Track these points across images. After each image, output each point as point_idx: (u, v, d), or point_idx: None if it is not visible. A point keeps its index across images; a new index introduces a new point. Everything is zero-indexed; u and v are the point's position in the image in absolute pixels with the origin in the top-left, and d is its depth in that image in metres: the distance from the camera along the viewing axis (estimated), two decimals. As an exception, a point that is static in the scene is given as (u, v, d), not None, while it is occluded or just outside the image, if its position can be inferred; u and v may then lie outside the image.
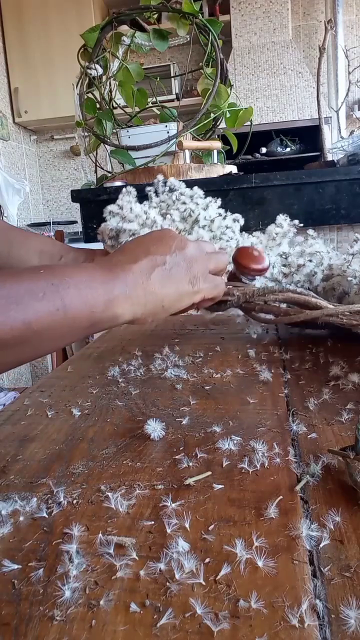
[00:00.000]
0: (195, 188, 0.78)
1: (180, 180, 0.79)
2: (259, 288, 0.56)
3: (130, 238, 0.69)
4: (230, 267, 0.62)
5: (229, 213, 0.78)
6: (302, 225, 0.79)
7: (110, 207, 0.73)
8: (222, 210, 0.77)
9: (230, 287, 0.57)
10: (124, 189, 0.75)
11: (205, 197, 0.78)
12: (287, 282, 0.74)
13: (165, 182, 0.79)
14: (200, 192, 0.77)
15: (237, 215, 0.78)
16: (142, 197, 0.76)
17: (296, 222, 0.79)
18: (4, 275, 0.36)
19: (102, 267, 0.43)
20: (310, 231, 0.80)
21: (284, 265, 0.75)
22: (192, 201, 0.76)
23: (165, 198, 0.77)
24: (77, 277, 0.39)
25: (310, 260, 0.73)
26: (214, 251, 0.53)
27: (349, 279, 0.68)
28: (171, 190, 0.78)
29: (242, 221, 0.77)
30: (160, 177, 0.80)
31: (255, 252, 0.59)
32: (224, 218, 0.76)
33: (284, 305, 0.60)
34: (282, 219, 0.79)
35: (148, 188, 0.78)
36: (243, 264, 0.59)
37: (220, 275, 0.53)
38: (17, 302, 0.34)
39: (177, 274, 0.46)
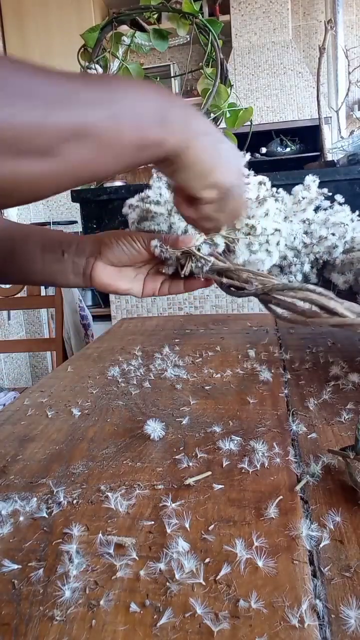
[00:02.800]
0: None
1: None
2: (277, 283, 0.54)
3: (155, 225, 0.67)
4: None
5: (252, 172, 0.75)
6: (330, 194, 0.76)
7: (130, 201, 0.72)
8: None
9: (250, 274, 0.56)
10: (155, 175, 0.74)
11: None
12: (306, 252, 0.72)
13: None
14: None
15: (263, 178, 0.74)
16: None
17: (325, 190, 0.76)
18: (61, 76, 0.34)
19: (157, 96, 0.40)
20: (339, 196, 0.77)
21: (305, 233, 0.72)
22: None
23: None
24: (131, 93, 0.37)
25: (333, 234, 0.71)
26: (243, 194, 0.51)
27: None
28: None
29: (268, 185, 0.74)
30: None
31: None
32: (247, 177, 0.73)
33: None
34: (311, 180, 0.76)
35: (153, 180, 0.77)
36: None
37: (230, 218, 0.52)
38: (74, 102, 0.33)
39: (226, 151, 0.46)
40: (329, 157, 1.71)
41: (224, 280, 0.57)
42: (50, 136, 0.31)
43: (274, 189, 0.72)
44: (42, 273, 0.57)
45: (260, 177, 0.73)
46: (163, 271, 0.58)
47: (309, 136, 3.21)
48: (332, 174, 1.41)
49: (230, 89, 1.65)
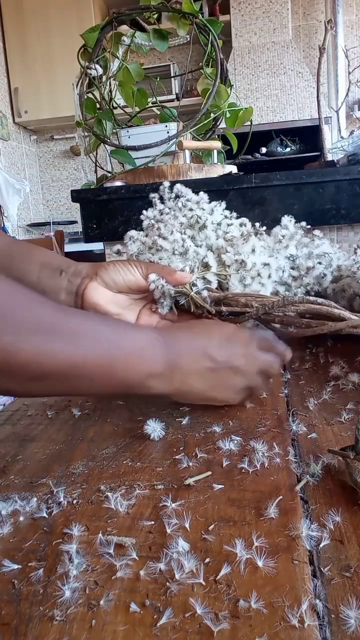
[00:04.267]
0: (201, 194, 0.78)
1: (181, 184, 0.79)
2: (278, 299, 0.54)
3: (159, 259, 0.68)
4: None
5: (234, 214, 0.78)
6: (308, 227, 0.78)
7: (131, 233, 0.74)
8: (227, 213, 0.77)
9: (248, 298, 0.56)
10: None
11: (209, 202, 0.78)
12: (297, 286, 0.74)
13: (171, 188, 0.79)
14: (205, 197, 0.77)
15: (244, 220, 0.77)
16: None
17: (303, 224, 0.78)
18: (71, 312, 0.40)
19: (151, 345, 0.44)
20: (317, 232, 0.80)
21: (292, 268, 0.75)
22: (198, 207, 0.76)
23: (171, 205, 0.77)
24: (129, 349, 0.42)
25: (320, 263, 0.73)
26: (272, 357, 0.51)
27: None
28: (177, 196, 0.78)
29: (248, 225, 0.77)
30: (166, 183, 0.80)
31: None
32: (230, 219, 0.76)
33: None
34: (287, 220, 0.78)
35: (152, 194, 0.78)
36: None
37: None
38: (74, 339, 0.38)
39: (220, 381, 0.47)
40: (329, 157, 1.71)
41: (224, 308, 0.57)
42: (47, 368, 0.36)
43: (257, 225, 0.74)
44: (34, 287, 0.58)
45: (241, 220, 0.76)
46: (158, 311, 0.59)
47: (309, 136, 3.21)
48: (332, 174, 1.41)
49: (230, 89, 1.65)
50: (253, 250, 0.68)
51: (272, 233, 0.79)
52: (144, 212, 0.76)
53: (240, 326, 0.57)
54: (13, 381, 0.36)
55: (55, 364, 0.36)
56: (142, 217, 0.76)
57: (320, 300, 0.53)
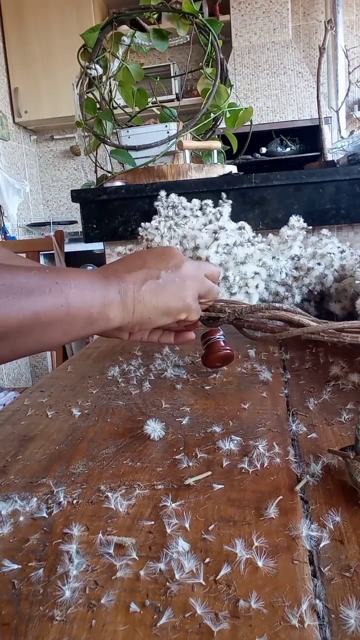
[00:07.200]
0: (194, 200, 0.79)
1: (179, 186, 0.80)
2: (248, 305, 0.57)
3: None
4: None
5: (229, 221, 0.78)
6: (310, 227, 0.79)
7: (119, 249, 0.76)
8: (225, 219, 0.78)
9: (222, 304, 0.59)
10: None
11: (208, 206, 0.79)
12: (298, 286, 0.74)
13: (168, 193, 0.80)
14: (198, 203, 0.78)
15: (243, 223, 0.78)
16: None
17: (305, 224, 0.79)
18: (14, 269, 0.38)
19: (99, 273, 0.45)
20: (325, 231, 0.80)
21: (295, 269, 0.75)
22: (192, 214, 0.76)
23: (170, 213, 0.78)
24: (78, 280, 0.41)
25: (319, 264, 0.73)
26: (212, 274, 0.54)
27: (357, 282, 0.68)
28: (173, 207, 0.79)
29: (249, 229, 0.77)
30: (163, 193, 0.81)
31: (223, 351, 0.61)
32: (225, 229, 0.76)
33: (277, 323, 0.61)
34: (295, 219, 0.79)
35: (156, 203, 0.80)
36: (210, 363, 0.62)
37: (206, 301, 0.55)
38: (28, 294, 0.37)
39: (169, 289, 0.48)
40: (329, 157, 1.71)
41: (202, 313, 0.59)
42: (7, 324, 0.36)
43: (253, 234, 0.75)
44: None
45: (240, 223, 0.76)
46: None
47: (309, 136, 3.21)
48: (332, 174, 1.41)
49: (230, 89, 1.65)
50: (243, 263, 0.70)
51: (280, 232, 0.79)
52: (142, 224, 0.78)
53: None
54: None
55: (16, 318, 0.36)
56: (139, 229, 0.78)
57: (285, 307, 0.55)
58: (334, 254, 0.75)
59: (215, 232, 0.74)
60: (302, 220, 0.79)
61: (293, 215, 0.79)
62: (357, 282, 0.68)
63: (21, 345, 0.38)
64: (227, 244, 0.72)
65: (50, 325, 0.38)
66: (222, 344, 0.61)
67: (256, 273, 0.70)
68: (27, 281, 0.37)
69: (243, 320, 0.58)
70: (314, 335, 0.53)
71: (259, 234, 0.80)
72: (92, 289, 0.42)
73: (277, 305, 0.55)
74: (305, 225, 0.79)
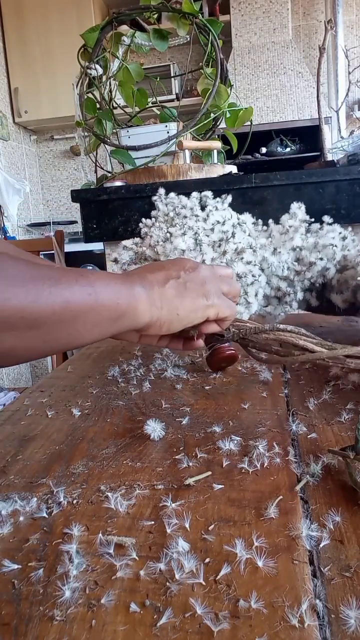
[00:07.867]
0: (193, 199, 0.78)
1: (179, 186, 0.80)
2: (252, 327, 0.57)
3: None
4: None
5: (231, 214, 0.77)
6: (312, 220, 0.78)
7: (125, 242, 0.75)
8: (224, 213, 0.77)
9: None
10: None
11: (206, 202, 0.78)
12: (299, 280, 0.73)
13: (167, 193, 0.80)
14: (197, 202, 0.78)
15: (246, 217, 0.77)
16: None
17: (307, 217, 0.78)
18: (36, 263, 0.38)
19: (119, 275, 0.46)
20: (326, 218, 0.79)
21: (297, 261, 0.74)
22: (192, 213, 0.76)
23: (169, 211, 0.77)
24: (100, 275, 0.42)
25: (321, 258, 0.72)
26: (227, 275, 0.54)
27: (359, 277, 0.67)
28: (173, 207, 0.78)
29: (249, 222, 0.76)
30: (162, 191, 0.80)
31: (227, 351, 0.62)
32: (223, 224, 0.75)
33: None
34: (297, 207, 0.77)
35: (154, 197, 0.79)
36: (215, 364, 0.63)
37: (234, 301, 0.54)
38: (57, 283, 0.37)
39: (191, 287, 0.48)
40: (329, 157, 1.71)
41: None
42: (38, 311, 0.36)
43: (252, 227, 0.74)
44: None
45: (243, 217, 0.75)
46: None
47: (309, 136, 3.21)
48: (332, 174, 1.41)
49: (230, 89, 1.65)
50: (241, 257, 0.69)
51: (281, 221, 0.78)
52: (143, 220, 0.77)
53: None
54: (12, 334, 0.36)
55: (46, 305, 0.36)
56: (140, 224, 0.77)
57: (290, 328, 0.54)
58: (335, 245, 0.74)
59: (221, 241, 0.73)
60: (303, 207, 0.78)
61: (294, 202, 0.77)
62: (359, 277, 0.67)
63: (52, 336, 0.38)
64: (226, 251, 0.72)
65: (80, 315, 0.39)
66: (226, 344, 0.61)
67: (255, 279, 0.70)
68: (53, 273, 0.38)
69: (248, 340, 0.58)
70: (318, 361, 0.52)
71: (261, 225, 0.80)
72: (117, 283, 0.43)
73: (281, 326, 0.54)
74: (307, 217, 0.77)
